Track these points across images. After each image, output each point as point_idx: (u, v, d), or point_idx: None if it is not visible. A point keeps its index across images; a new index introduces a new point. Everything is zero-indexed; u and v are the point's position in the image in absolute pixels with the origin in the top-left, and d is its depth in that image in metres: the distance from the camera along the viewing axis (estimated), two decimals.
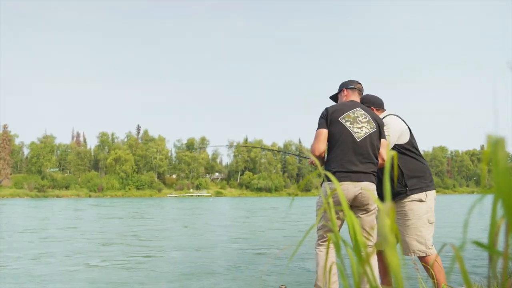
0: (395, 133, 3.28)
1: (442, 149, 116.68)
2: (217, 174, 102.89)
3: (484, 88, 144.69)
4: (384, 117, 3.37)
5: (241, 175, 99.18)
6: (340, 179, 2.86)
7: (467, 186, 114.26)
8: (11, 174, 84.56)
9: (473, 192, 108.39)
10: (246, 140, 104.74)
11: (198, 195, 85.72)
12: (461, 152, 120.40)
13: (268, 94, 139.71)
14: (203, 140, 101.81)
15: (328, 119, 3.03)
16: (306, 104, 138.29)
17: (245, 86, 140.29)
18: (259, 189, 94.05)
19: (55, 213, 24.02)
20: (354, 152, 2.94)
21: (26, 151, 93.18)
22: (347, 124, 2.99)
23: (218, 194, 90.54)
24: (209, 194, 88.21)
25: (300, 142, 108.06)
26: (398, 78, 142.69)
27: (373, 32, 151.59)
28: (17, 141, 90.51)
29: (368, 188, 2.90)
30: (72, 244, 9.33)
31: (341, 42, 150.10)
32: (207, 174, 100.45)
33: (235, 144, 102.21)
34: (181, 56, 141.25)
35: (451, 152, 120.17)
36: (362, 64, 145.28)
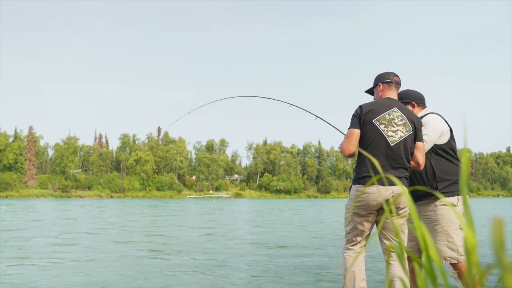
0: (435, 132, 3.16)
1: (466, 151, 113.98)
2: (236, 175, 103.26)
3: (489, 90, 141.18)
4: (423, 116, 3.25)
5: (260, 177, 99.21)
6: (372, 182, 2.78)
7: (492, 189, 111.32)
8: (36, 174, 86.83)
9: (498, 195, 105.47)
10: (265, 142, 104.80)
11: (218, 197, 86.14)
12: (486, 154, 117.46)
13: (285, 95, 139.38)
14: (222, 141, 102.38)
15: (362, 119, 2.89)
16: (321, 105, 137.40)
17: (264, 87, 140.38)
18: (279, 191, 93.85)
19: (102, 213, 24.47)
20: (386, 157, 2.83)
21: (50, 152, 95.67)
22: (381, 127, 2.86)
23: (238, 195, 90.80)
24: (229, 196, 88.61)
25: (319, 143, 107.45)
26: (405, 77, 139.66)
27: (377, 31, 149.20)
28: (42, 142, 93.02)
29: (400, 192, 2.83)
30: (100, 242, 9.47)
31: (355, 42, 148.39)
32: (226, 176, 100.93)
33: (254, 145, 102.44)
34: (200, 58, 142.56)
35: (475, 154, 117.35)
36: (382, 61, 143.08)
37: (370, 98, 3.29)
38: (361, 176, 2.86)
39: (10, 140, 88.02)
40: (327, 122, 3.98)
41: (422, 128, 3.07)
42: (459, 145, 3.33)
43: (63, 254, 7.84)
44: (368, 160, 2.83)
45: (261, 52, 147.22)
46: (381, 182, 2.75)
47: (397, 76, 3.09)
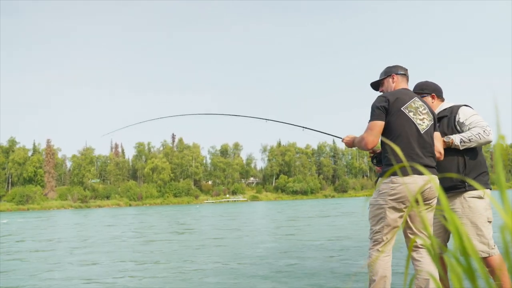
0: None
1: None
2: (252, 178, 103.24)
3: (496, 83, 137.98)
4: (460, 106, 3.18)
5: (276, 178, 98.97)
6: (408, 172, 2.67)
7: None
8: (55, 186, 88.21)
9: None
10: (279, 144, 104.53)
11: (235, 200, 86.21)
12: (505, 145, 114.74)
13: (285, 96, 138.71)
14: (236, 145, 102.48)
15: (389, 109, 2.80)
16: (321, 105, 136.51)
17: (276, 90, 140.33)
18: (295, 192, 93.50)
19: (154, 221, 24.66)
20: (418, 145, 2.75)
21: (68, 164, 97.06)
22: (411, 115, 2.79)
23: (254, 198, 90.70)
24: (245, 199, 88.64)
25: (334, 142, 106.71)
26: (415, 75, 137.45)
27: (377, 31, 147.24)
28: (60, 155, 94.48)
29: (436, 182, 2.69)
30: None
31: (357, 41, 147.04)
32: (242, 179, 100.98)
33: (268, 147, 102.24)
34: (211, 64, 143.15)
35: (494, 145, 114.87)
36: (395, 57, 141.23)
37: (371, 96, 3.19)
38: (393, 166, 2.69)
39: (29, 153, 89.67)
40: (315, 130, 3.87)
41: (476, 116, 3.09)
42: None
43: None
44: (402, 150, 2.73)
45: (261, 52, 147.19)
46: (416, 172, 2.64)
47: (407, 70, 3.10)
